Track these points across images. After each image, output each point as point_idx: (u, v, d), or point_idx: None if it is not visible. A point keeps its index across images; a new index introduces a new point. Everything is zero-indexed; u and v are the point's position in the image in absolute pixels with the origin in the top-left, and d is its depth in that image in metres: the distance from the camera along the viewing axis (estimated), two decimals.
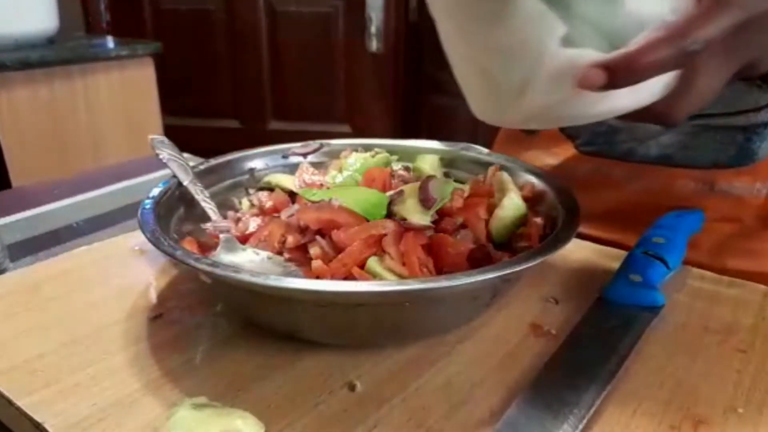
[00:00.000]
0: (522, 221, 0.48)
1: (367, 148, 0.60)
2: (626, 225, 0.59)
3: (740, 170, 0.56)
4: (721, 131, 0.54)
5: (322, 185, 0.55)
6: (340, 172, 0.56)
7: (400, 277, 0.41)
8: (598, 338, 0.41)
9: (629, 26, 0.31)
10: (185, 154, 0.55)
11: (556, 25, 0.31)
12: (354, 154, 0.58)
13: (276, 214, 0.49)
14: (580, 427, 0.34)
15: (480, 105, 0.37)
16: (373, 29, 2.53)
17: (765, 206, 0.57)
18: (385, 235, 0.43)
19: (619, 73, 0.30)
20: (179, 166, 0.52)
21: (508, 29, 0.32)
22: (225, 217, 0.51)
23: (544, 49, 0.31)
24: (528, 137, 0.68)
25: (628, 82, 0.30)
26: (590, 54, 0.31)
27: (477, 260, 0.42)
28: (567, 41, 0.31)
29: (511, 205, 0.48)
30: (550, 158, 0.66)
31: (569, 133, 0.64)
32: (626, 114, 0.34)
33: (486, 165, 0.55)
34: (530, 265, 0.38)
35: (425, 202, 0.46)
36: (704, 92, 0.33)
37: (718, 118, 0.54)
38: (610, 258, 0.53)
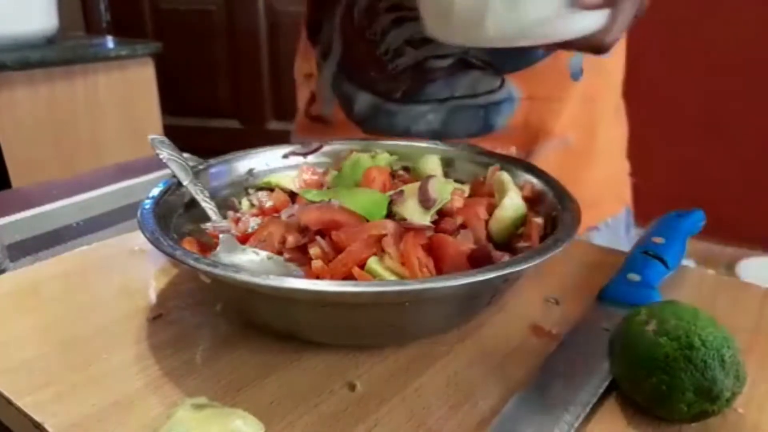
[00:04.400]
0: (522, 221, 0.48)
1: (367, 148, 0.60)
2: None
3: (496, 137, 0.67)
4: (470, 110, 0.67)
5: (322, 185, 0.55)
6: (340, 172, 0.56)
7: (400, 277, 0.41)
8: (595, 337, 0.41)
9: None
10: (185, 154, 0.55)
11: None
12: (354, 154, 0.58)
13: (276, 214, 0.49)
14: (576, 425, 0.34)
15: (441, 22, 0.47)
16: None
17: None
18: (385, 235, 0.43)
19: None
20: (179, 166, 0.52)
21: None
22: (225, 217, 0.51)
23: None
24: (326, 125, 0.75)
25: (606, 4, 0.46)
26: None
27: (477, 260, 0.42)
28: None
29: (511, 205, 0.48)
30: (348, 143, 0.70)
31: (356, 119, 0.72)
32: (574, 40, 0.47)
33: (486, 165, 0.55)
34: (530, 265, 0.38)
35: (425, 202, 0.46)
36: (622, 27, 0.49)
37: (467, 99, 0.67)
38: (611, 258, 0.53)
